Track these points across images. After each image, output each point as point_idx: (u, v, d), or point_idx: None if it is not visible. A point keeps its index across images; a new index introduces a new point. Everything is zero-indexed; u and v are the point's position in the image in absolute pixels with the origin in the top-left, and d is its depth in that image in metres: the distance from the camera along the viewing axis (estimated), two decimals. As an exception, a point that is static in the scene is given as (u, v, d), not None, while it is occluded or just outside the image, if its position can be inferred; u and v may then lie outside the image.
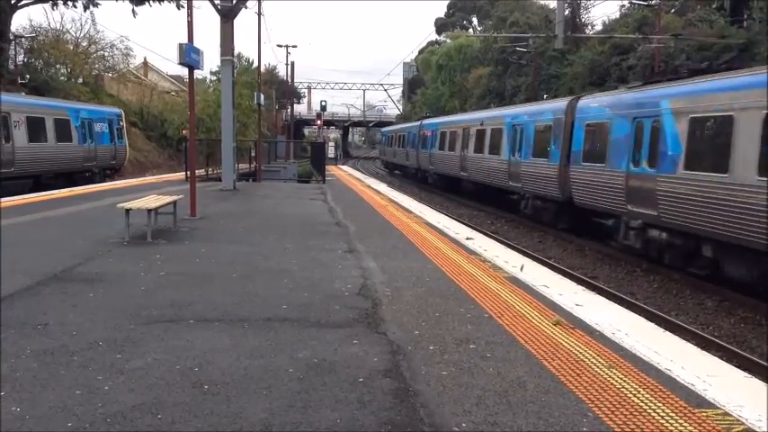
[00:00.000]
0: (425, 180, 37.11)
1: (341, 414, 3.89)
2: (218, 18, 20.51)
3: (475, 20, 77.28)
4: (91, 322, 5.63)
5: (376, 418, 3.84)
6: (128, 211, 10.02)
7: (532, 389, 4.36)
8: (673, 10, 37.44)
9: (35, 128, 22.50)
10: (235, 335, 5.42)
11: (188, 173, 20.25)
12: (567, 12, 39.09)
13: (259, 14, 31.09)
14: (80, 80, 43.59)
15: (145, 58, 61.93)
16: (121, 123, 30.60)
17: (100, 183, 24.94)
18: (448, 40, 69.77)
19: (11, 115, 21.00)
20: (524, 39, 42.02)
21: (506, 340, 5.41)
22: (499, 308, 6.43)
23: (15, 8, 38.15)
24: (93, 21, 56.11)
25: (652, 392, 4.29)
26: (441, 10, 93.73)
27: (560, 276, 8.82)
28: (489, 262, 8.95)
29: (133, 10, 39.46)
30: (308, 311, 6.21)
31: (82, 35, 45.41)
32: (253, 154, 31.64)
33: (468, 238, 11.14)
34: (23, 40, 41.08)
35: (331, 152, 52.20)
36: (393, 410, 3.97)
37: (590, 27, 44.88)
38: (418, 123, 40.31)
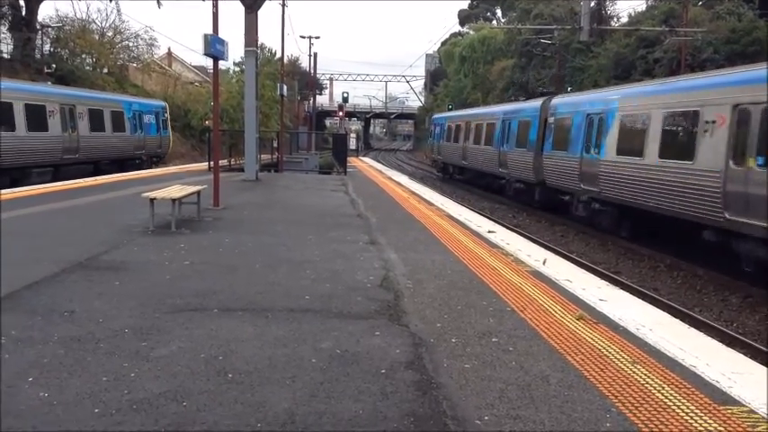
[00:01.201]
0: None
1: (363, 405, 3.90)
2: (242, 9, 20.59)
3: (499, 11, 76.62)
4: (116, 310, 5.70)
5: (398, 410, 3.86)
6: (152, 200, 10.12)
7: (555, 383, 4.34)
8: (700, 2, 36.88)
9: (95, 119, 25.31)
10: (258, 324, 5.46)
11: (211, 163, 20.62)
12: (592, 3, 38.66)
13: (283, 5, 31.18)
14: (105, 70, 43.99)
15: (169, 49, 62.52)
16: (166, 115, 33.08)
17: (147, 169, 27.51)
18: (471, 32, 69.31)
19: (76, 108, 23.88)
20: (549, 31, 41.65)
21: (529, 334, 5.39)
22: (522, 301, 6.41)
23: (42, -2, 38.59)
24: (118, 11, 56.36)
25: (676, 389, 4.25)
26: (464, 2, 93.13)
27: (583, 271, 8.76)
28: (512, 255, 8.91)
29: (158, 1, 39.73)
30: (331, 302, 6.23)
31: (107, 25, 45.81)
32: (275, 145, 31.80)
33: (490, 231, 11.10)
34: (50, 29, 41.53)
35: (352, 144, 52.19)
36: (416, 402, 3.98)
37: (615, 19, 44.38)
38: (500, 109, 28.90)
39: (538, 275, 7.68)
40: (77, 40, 42.07)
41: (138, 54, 48.71)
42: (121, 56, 47.07)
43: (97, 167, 25.06)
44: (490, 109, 32.10)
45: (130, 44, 47.80)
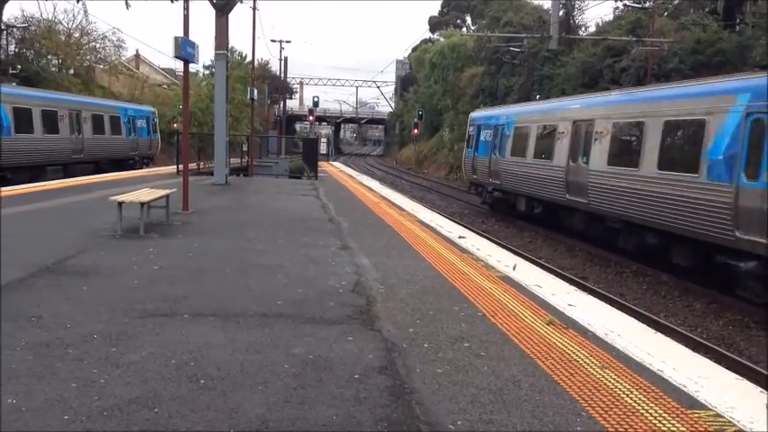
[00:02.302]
0: None
1: (337, 410, 3.90)
2: (212, 12, 20.45)
3: (469, 19, 77.31)
4: (85, 315, 5.62)
5: (372, 415, 3.86)
6: (120, 203, 9.98)
7: (527, 388, 4.39)
8: (666, 13, 37.61)
9: (97, 123, 28.51)
10: (230, 330, 5.42)
11: (180, 166, 20.38)
12: (561, 13, 39.19)
13: (254, 9, 31.02)
14: (71, 71, 43.31)
15: (137, 51, 61.67)
16: (155, 120, 36.20)
17: (139, 169, 30.16)
18: (441, 39, 69.69)
19: (81, 113, 27.07)
20: (518, 39, 42.09)
21: (500, 339, 5.45)
22: (493, 307, 6.47)
23: (7, -2, 37.87)
24: (85, 12, 55.62)
25: (645, 393, 4.33)
26: (435, 8, 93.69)
27: (552, 276, 8.87)
28: (482, 261, 8.99)
29: (126, 2, 39.24)
30: (303, 307, 6.22)
31: (74, 26, 45.13)
32: (245, 149, 31.58)
33: (460, 237, 11.18)
34: (15, 30, 40.76)
35: (323, 148, 52.11)
36: (389, 408, 3.99)
37: (584, 29, 45.00)
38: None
39: (508, 281, 7.76)
40: (43, 40, 41.36)
41: (105, 56, 48.12)
42: (88, 57, 46.41)
43: (98, 167, 27.61)
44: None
45: (97, 45, 47.21)
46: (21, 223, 10.99)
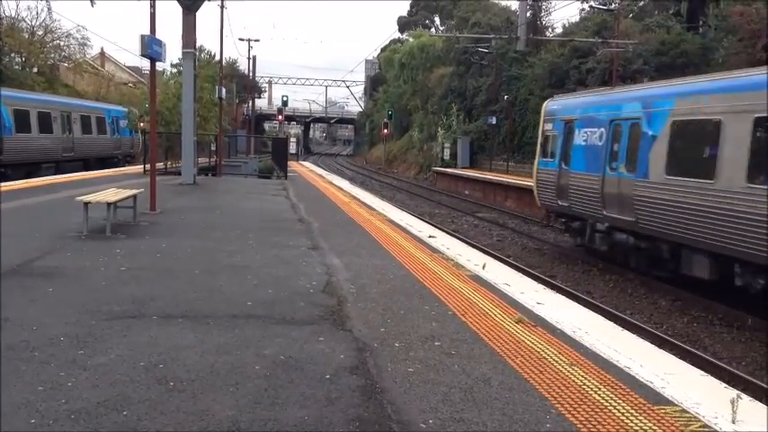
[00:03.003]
0: None
1: (309, 411, 3.90)
2: (179, 10, 20.22)
3: (437, 19, 77.63)
4: (51, 317, 5.52)
5: (344, 415, 3.87)
6: (86, 204, 9.83)
7: (497, 386, 4.44)
8: (631, 15, 38.21)
9: (85, 124, 30.64)
10: (199, 331, 5.37)
11: (147, 166, 20.15)
12: (528, 14, 39.56)
13: (222, 7, 30.74)
14: (35, 69, 42.45)
15: (102, 49, 60.72)
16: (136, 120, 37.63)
17: (122, 167, 31.79)
18: (410, 39, 69.84)
19: (71, 114, 29.24)
20: (486, 40, 42.38)
21: (470, 338, 5.49)
22: (463, 306, 6.51)
23: (-33, -6, 36.99)
24: (49, 9, 54.53)
25: (612, 390, 4.41)
26: (404, 8, 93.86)
27: (521, 275, 8.96)
28: (452, 260, 9.04)
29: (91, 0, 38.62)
30: (274, 308, 6.19)
31: (37, 24, 44.22)
32: (213, 148, 31.33)
33: (430, 236, 11.23)
34: (-25, 27, 39.82)
35: (292, 148, 51.88)
36: (361, 407, 4.00)
37: (551, 30, 45.50)
38: None
39: (478, 280, 7.82)
40: (6, 38, 40.46)
41: (69, 53, 47.22)
42: (52, 55, 45.50)
43: (86, 164, 29.59)
44: None
45: (62, 43, 46.31)
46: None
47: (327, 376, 4.46)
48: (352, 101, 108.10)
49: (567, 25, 42.95)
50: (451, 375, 4.59)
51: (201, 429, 3.61)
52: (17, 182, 19.23)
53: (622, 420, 3.92)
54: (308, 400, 4.07)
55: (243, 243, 9.85)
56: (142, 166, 25.05)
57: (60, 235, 9.72)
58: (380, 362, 4.80)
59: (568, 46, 35.16)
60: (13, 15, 42.69)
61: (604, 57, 30.75)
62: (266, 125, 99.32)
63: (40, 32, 44.46)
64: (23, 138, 24.58)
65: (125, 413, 3.75)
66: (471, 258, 9.31)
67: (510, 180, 30.83)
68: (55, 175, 24.03)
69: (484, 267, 8.53)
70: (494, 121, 40.85)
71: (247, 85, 65.58)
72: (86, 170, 26.95)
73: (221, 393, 4.11)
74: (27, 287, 6.56)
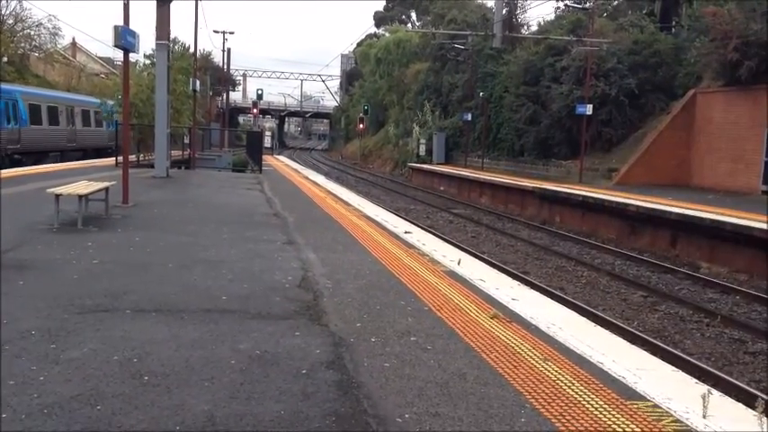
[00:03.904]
0: None
1: (285, 406, 3.89)
2: (153, 1, 19.97)
3: (414, 15, 77.71)
4: (22, 311, 5.43)
5: (320, 410, 3.87)
6: (57, 196, 9.68)
7: (472, 380, 4.47)
8: (605, 14, 38.61)
9: (85, 116, 34.11)
10: (173, 326, 5.33)
11: (119, 158, 19.95)
12: (504, 11, 39.76)
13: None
14: (5, 59, 41.60)
15: (73, 39, 59.74)
16: None
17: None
18: (387, 34, 69.83)
19: (74, 108, 32.87)
20: (462, 36, 42.52)
21: (446, 333, 5.51)
22: (438, 301, 6.54)
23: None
24: (19, -3, 53.42)
25: (586, 385, 4.46)
26: (380, 3, 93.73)
27: (496, 271, 9.01)
28: (428, 256, 9.07)
29: (63, -12, 37.92)
30: (249, 303, 6.16)
31: (7, 13, 43.32)
32: (186, 141, 31.10)
33: (406, 232, 11.25)
34: (-58, 14, 38.93)
35: (267, 142, 51.56)
36: (337, 402, 4.00)
37: (526, 27, 45.77)
38: None
39: (453, 275, 7.85)
40: (-27, 26, 39.64)
41: (40, 43, 46.38)
42: (22, 45, 44.65)
43: (86, 154, 32.53)
44: None
45: (32, 33, 45.44)
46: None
47: (304, 371, 4.46)
48: (327, 95, 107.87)
49: (542, 23, 43.27)
50: (427, 370, 4.61)
51: (177, 424, 3.58)
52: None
53: (596, 415, 3.98)
54: (284, 394, 4.06)
55: (217, 237, 9.78)
56: (114, 158, 24.78)
57: (30, 227, 9.56)
58: (357, 357, 4.81)
59: (543, 44, 35.43)
60: (-19, 3, 41.82)
61: (579, 55, 31.04)
62: (241, 118, 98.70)
63: (10, 21, 43.59)
64: (36, 129, 28.21)
65: (99, 408, 3.71)
66: (447, 254, 9.35)
67: (485, 177, 31.02)
68: (60, 162, 26.57)
69: (459, 263, 8.57)
70: (469, 117, 41.02)
71: (222, 78, 65.03)
72: (85, 159, 29.52)
73: (196, 388, 4.08)
74: (-3, 280, 6.44)
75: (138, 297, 6.15)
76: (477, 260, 9.99)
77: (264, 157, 30.90)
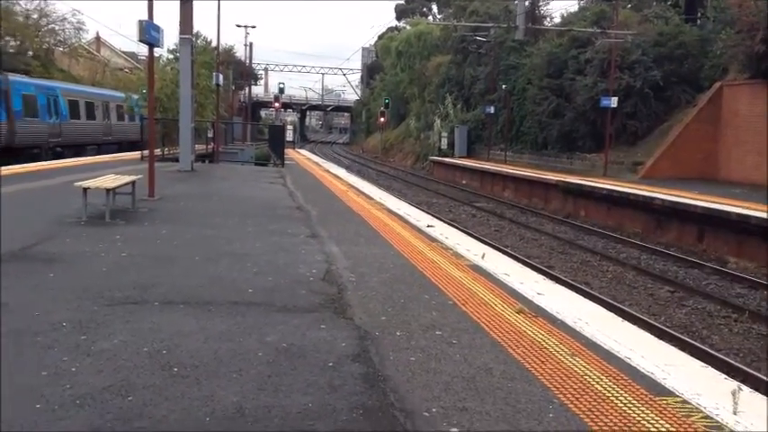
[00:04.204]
0: None
1: (312, 398, 3.92)
2: (177, -4, 20.10)
3: (435, 7, 77.37)
4: (53, 303, 5.52)
5: (347, 402, 3.89)
6: (85, 190, 9.80)
7: (499, 375, 4.46)
8: (630, 5, 38.11)
9: (119, 112, 35.70)
10: (201, 318, 5.38)
11: (144, 152, 20.17)
12: (527, 3, 39.41)
13: (219, -7, 30.56)
14: (30, 53, 42.16)
15: (97, 33, 60.37)
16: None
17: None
18: (408, 27, 69.64)
19: (109, 104, 34.71)
20: (484, 28, 42.24)
21: (471, 327, 5.50)
22: (463, 295, 6.53)
23: (-39, -24, 36.67)
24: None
25: (614, 380, 4.43)
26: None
27: (520, 265, 8.98)
28: (451, 249, 9.05)
29: (87, -18, 38.32)
30: (274, 295, 6.20)
31: (32, 7, 43.87)
32: (209, 135, 31.33)
33: (429, 226, 11.23)
34: (-30, 9, 39.49)
35: (289, 135, 51.72)
36: (364, 395, 4.01)
37: (549, 19, 45.33)
38: None
39: (477, 269, 7.83)
40: (0, 21, 40.13)
41: (64, 38, 46.92)
42: (47, 39, 45.21)
43: (120, 146, 33.95)
44: None
45: (57, 27, 45.97)
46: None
47: (330, 364, 4.48)
48: (348, 89, 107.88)
49: (565, 15, 42.81)
50: (453, 365, 4.61)
51: (207, 415, 3.62)
52: (15, 166, 19.16)
53: (625, 411, 3.95)
54: (311, 387, 4.08)
55: (242, 230, 9.84)
56: (140, 152, 25.05)
57: (59, 221, 9.70)
58: (382, 350, 4.82)
59: (567, 36, 35.07)
60: (7, -1, 42.35)
61: (603, 47, 30.69)
62: (263, 112, 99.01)
63: (35, 16, 44.14)
64: (75, 123, 30.08)
65: (130, 398, 3.76)
66: (470, 248, 9.33)
67: (508, 170, 30.85)
68: (98, 155, 28.55)
69: (483, 257, 8.55)
70: (492, 110, 40.77)
71: (244, 72, 65.31)
72: (120, 152, 30.61)
73: (225, 379, 4.12)
74: (28, 272, 6.56)
75: (166, 289, 6.21)
76: (501, 254, 9.95)
77: (286, 150, 31.04)
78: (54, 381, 3.95)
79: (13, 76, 26.57)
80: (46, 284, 6.15)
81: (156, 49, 15.07)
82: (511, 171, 30.36)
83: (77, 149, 29.31)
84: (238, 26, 58.86)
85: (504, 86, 40.30)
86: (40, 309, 5.34)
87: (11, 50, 40.68)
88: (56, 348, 4.49)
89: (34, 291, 5.89)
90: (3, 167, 18.50)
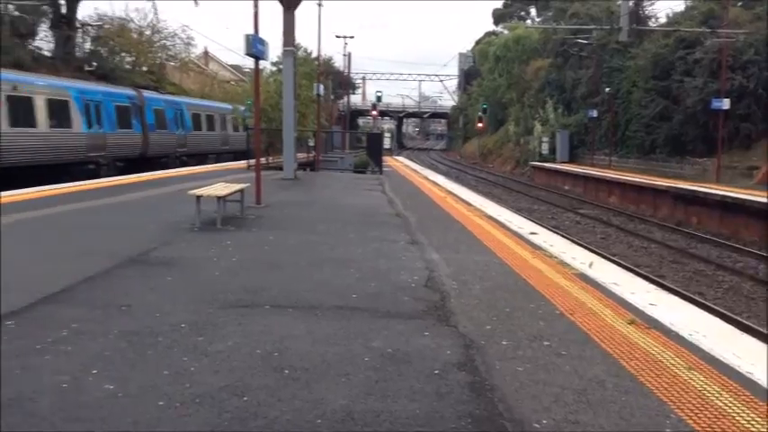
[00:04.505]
0: None
1: (419, 405, 3.92)
2: (274, 8, 20.75)
3: (533, 10, 76.07)
4: (171, 305, 5.81)
5: (455, 411, 3.87)
6: (199, 197, 10.27)
7: (611, 388, 4.31)
8: (740, 3, 36.11)
9: (234, 124, 37.26)
10: (309, 322, 5.51)
11: (250, 161, 20.94)
12: (630, 3, 38.10)
13: (319, 5, 31.33)
14: (144, 68, 44.64)
15: (205, 48, 63.20)
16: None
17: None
18: (505, 31, 68.84)
19: (225, 116, 37.43)
20: (586, 30, 41.16)
21: (580, 338, 5.35)
22: (570, 305, 6.37)
23: (81, -4, 39.30)
24: (155, 10, 57.32)
25: (735, 396, 4.19)
26: (499, 1, 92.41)
27: (630, 275, 8.66)
28: (556, 258, 8.84)
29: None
30: (377, 301, 6.26)
31: (145, 24, 46.46)
32: (310, 144, 32.18)
33: (532, 233, 11.03)
34: (90, 28, 42.27)
35: (386, 143, 52.22)
36: (471, 404, 3.98)
37: (654, 20, 43.63)
38: None
39: (584, 278, 7.61)
40: (117, 38, 42.73)
41: (175, 53, 49.39)
42: (159, 54, 47.72)
43: (236, 155, 34.42)
44: None
45: (168, 43, 48.49)
46: (104, 216, 11.48)
47: (436, 371, 4.47)
48: (445, 95, 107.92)
49: (671, 15, 41.09)
50: (563, 376, 4.50)
51: (318, 417, 3.70)
52: (130, 176, 20.39)
53: (748, 428, 3.73)
54: (418, 394, 4.09)
55: (343, 237, 10.01)
56: (246, 161, 26.00)
57: (174, 227, 10.21)
58: (488, 359, 4.76)
59: (673, 36, 33.64)
60: (122, 16, 45.06)
61: (713, 47, 29.24)
62: (360, 121, 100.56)
63: (148, 32, 46.70)
64: (198, 134, 33.39)
65: (245, 398, 3.90)
66: (576, 256, 9.08)
67: (613, 175, 29.87)
68: (216, 163, 30.76)
69: (590, 266, 8.30)
70: (594, 114, 39.66)
71: (342, 82, 66.58)
72: (234, 161, 32.24)
73: (333, 383, 4.20)
74: (146, 276, 6.94)
75: (275, 293, 6.40)
76: (608, 263, 9.63)
77: (384, 157, 31.35)
78: (175, 380, 4.14)
79: (146, 93, 29.77)
80: (164, 287, 6.48)
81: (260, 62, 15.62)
82: (616, 176, 29.37)
83: (200, 158, 32.07)
84: (338, 37, 60.04)
85: (607, 89, 39.13)
86: (160, 310, 5.63)
87: (126, 66, 43.25)
88: (175, 348, 4.71)
89: (153, 293, 6.22)
90: (117, 177, 19.78)
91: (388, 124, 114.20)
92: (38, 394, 3.87)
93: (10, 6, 36.05)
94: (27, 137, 20.11)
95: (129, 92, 28.45)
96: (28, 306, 5.63)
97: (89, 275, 6.77)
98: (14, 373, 4.16)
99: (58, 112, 21.97)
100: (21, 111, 19.83)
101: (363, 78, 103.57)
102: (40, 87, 21.38)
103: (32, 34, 38.69)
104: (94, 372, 4.22)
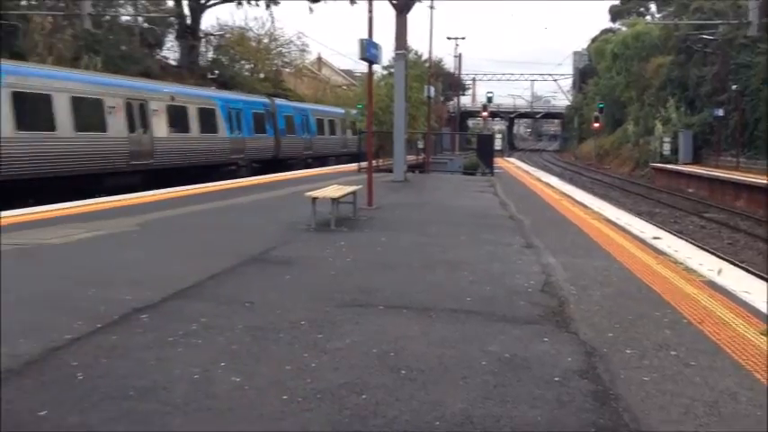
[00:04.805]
0: None
1: (540, 411, 3.83)
2: (385, 12, 20.96)
3: (653, 6, 72.90)
4: (291, 302, 5.99)
5: (577, 419, 3.75)
6: (314, 199, 10.55)
7: (745, 402, 4.04)
8: None
9: (352, 127, 37.04)
10: (423, 323, 5.52)
11: (361, 164, 21.34)
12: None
13: (431, 7, 31.41)
14: (261, 75, 46.42)
15: (319, 54, 64.88)
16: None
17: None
18: (623, 28, 66.30)
19: (335, 121, 38.32)
20: (711, 26, 38.97)
21: (710, 348, 5.06)
22: (698, 313, 6.03)
23: (204, 7, 41.39)
24: (272, 18, 59.52)
25: None
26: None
27: (762, 283, 8.07)
28: (681, 264, 8.40)
29: (310, 7, 41.42)
30: (493, 305, 6.18)
31: (263, 32, 48.25)
32: (420, 146, 32.29)
33: (654, 238, 10.53)
34: (212, 37, 44.45)
35: (497, 144, 51.57)
36: (594, 413, 3.85)
37: (788, 11, 40.62)
38: None
39: (713, 286, 7.19)
40: (237, 47, 44.68)
41: (290, 59, 51.03)
42: (275, 61, 49.45)
43: (354, 157, 33.03)
44: None
45: (283, 50, 50.15)
46: (227, 216, 12.05)
47: (556, 378, 4.35)
48: (558, 95, 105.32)
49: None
50: (693, 387, 4.26)
51: (436, 419, 3.69)
52: (247, 179, 21.33)
53: None
54: (538, 400, 3.99)
55: (455, 239, 9.97)
56: (357, 164, 26.52)
57: (291, 227, 10.54)
58: (612, 368, 4.59)
59: (812, 28, 31.22)
60: (242, 25, 47.05)
61: None
62: (470, 122, 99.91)
63: (266, 40, 48.50)
64: (321, 138, 36.03)
65: (364, 396, 3.95)
66: (703, 263, 8.58)
67: (741, 177, 28.09)
68: (335, 165, 32.10)
69: (719, 273, 7.83)
70: (721, 113, 37.46)
71: (453, 83, 66.43)
72: (339, 164, 33.53)
73: (451, 386, 4.18)
74: (267, 274, 7.21)
75: (389, 294, 6.46)
76: (738, 269, 9.06)
77: (495, 159, 30.99)
78: (297, 375, 4.26)
79: (278, 101, 32.79)
80: (283, 285, 6.69)
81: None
82: (745, 179, 27.60)
83: (323, 160, 34.14)
84: (449, 38, 59.96)
85: (734, 87, 36.84)
86: (281, 307, 5.82)
87: (245, 73, 45.14)
88: (296, 345, 4.85)
89: (274, 290, 6.44)
90: (234, 180, 20.78)
91: (498, 125, 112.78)
92: (172, 384, 4.09)
93: (139, 18, 38.57)
94: (182, 141, 23.14)
95: (264, 100, 31.61)
96: (161, 300, 5.98)
97: (215, 272, 7.11)
98: (150, 363, 4.43)
99: (207, 119, 24.97)
100: (177, 118, 22.90)
101: (473, 79, 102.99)
102: (193, 97, 24.52)
103: (160, 45, 41.24)
104: (222, 364, 4.41)
